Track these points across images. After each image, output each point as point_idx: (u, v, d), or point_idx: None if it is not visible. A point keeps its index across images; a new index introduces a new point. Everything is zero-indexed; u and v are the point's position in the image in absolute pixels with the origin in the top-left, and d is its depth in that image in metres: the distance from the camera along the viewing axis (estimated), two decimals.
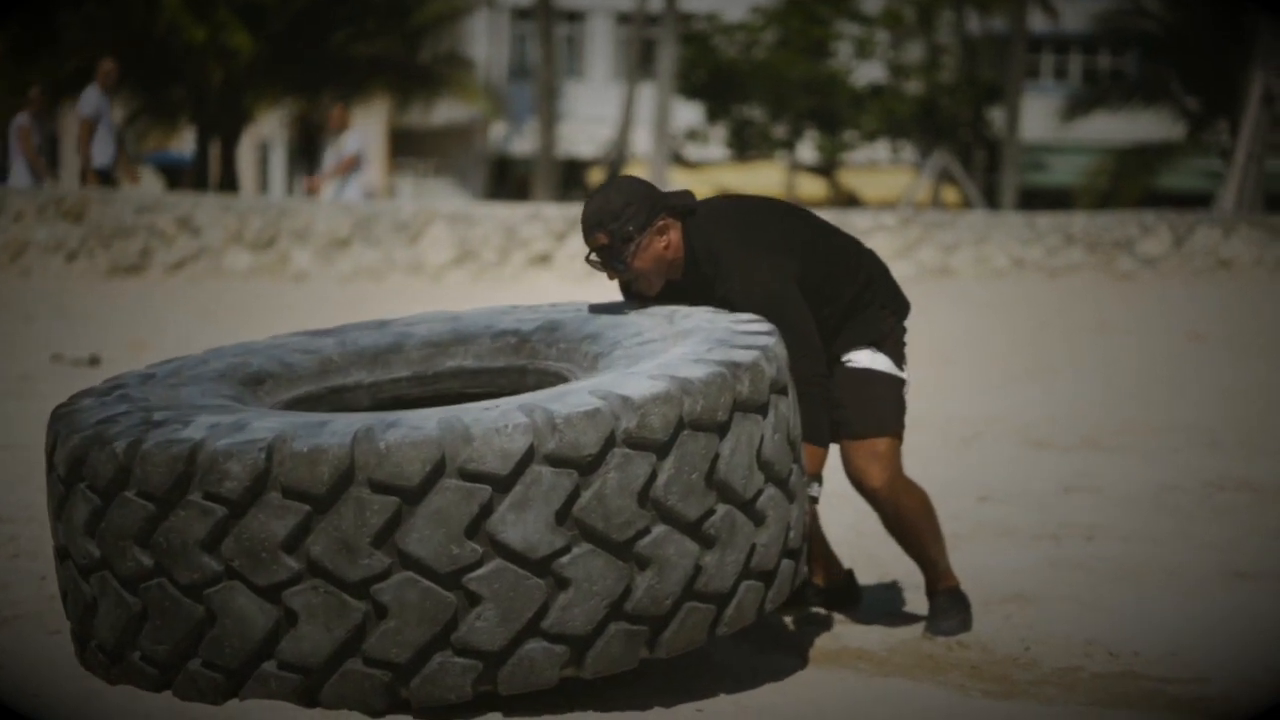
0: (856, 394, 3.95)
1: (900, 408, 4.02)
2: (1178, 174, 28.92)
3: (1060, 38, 33.61)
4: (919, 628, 4.23)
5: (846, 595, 4.35)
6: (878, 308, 3.98)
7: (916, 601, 4.48)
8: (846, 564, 5.09)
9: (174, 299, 12.02)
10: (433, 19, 25.86)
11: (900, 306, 4.04)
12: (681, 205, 3.78)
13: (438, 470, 3.02)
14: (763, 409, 3.38)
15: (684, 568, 3.22)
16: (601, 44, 34.39)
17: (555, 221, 14.03)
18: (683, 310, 3.70)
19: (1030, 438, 7.53)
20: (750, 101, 30.54)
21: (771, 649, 3.99)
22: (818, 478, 3.73)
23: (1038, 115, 29.85)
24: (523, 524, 3.06)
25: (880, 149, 31.89)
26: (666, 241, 3.73)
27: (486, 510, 3.05)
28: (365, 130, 31.49)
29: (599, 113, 31.65)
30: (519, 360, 3.80)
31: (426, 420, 3.07)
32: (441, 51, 27.32)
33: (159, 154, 29.12)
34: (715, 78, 30.07)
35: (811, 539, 4.14)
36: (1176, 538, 5.42)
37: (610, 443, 3.11)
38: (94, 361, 8.65)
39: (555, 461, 3.08)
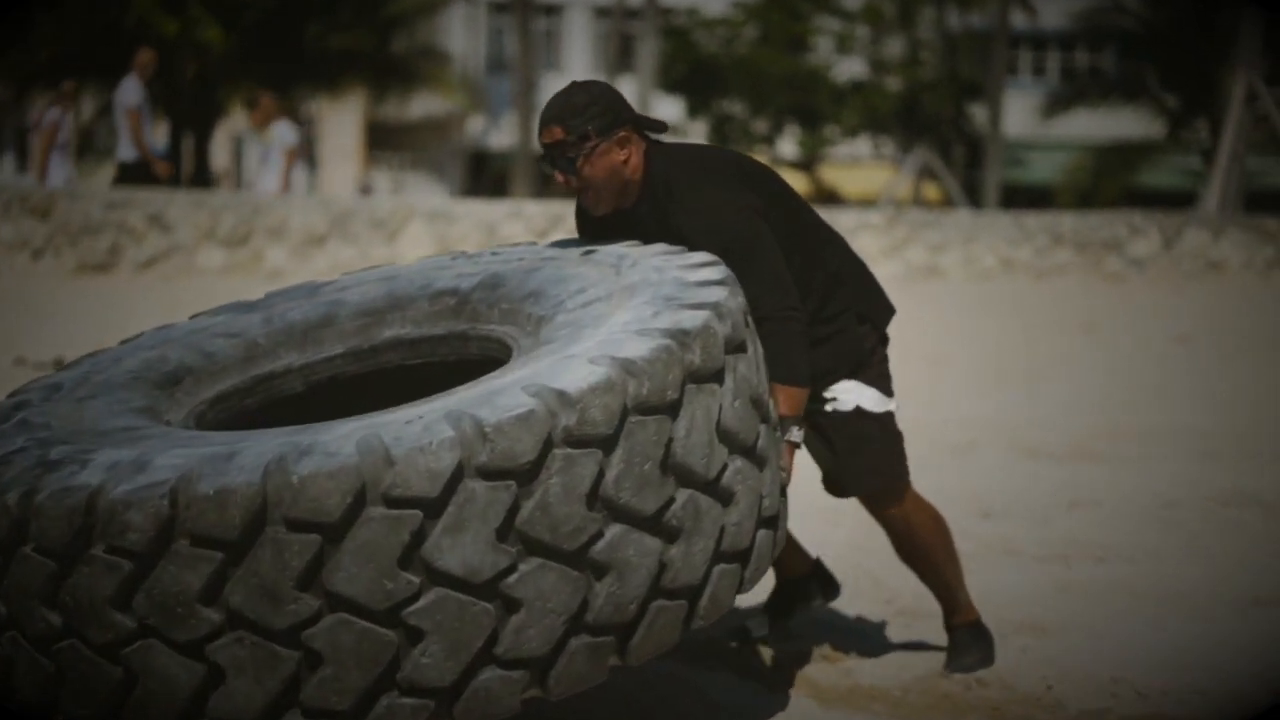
0: (851, 446, 3.69)
1: (899, 450, 3.76)
2: (1157, 171, 28.94)
3: (1038, 35, 33.57)
4: (934, 661, 4.01)
5: (819, 588, 4.13)
6: (853, 320, 3.68)
7: (928, 629, 4.27)
8: (847, 586, 4.87)
9: (144, 298, 11.73)
10: (408, 11, 25.64)
11: (880, 316, 3.76)
12: (648, 124, 3.49)
13: (359, 500, 2.73)
14: (718, 375, 3.07)
15: (647, 567, 2.95)
16: (579, 38, 34.15)
17: (536, 219, 13.78)
18: (630, 256, 3.38)
19: (1024, 446, 7.38)
20: (731, 96, 30.36)
21: (780, 687, 3.77)
22: (797, 420, 3.41)
23: (1016, 112, 29.78)
24: (460, 547, 2.78)
25: (861, 145, 31.77)
26: (626, 155, 3.43)
27: (419, 537, 2.77)
28: (341, 121, 31.28)
29: None
30: (460, 325, 3.48)
31: (342, 443, 2.78)
32: (417, 44, 27.11)
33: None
34: (695, 72, 29.88)
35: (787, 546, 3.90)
36: (1185, 558, 5.25)
37: (549, 445, 2.82)
38: (58, 364, 8.41)
39: (489, 474, 2.79)
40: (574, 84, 3.48)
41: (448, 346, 3.49)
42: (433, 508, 2.76)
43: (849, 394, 3.67)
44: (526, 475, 2.81)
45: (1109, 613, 4.56)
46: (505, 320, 3.39)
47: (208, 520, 2.72)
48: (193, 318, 3.65)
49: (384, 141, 33.01)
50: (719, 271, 3.26)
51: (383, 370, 3.54)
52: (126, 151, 13.51)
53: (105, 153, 29.62)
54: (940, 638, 4.27)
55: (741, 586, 3.18)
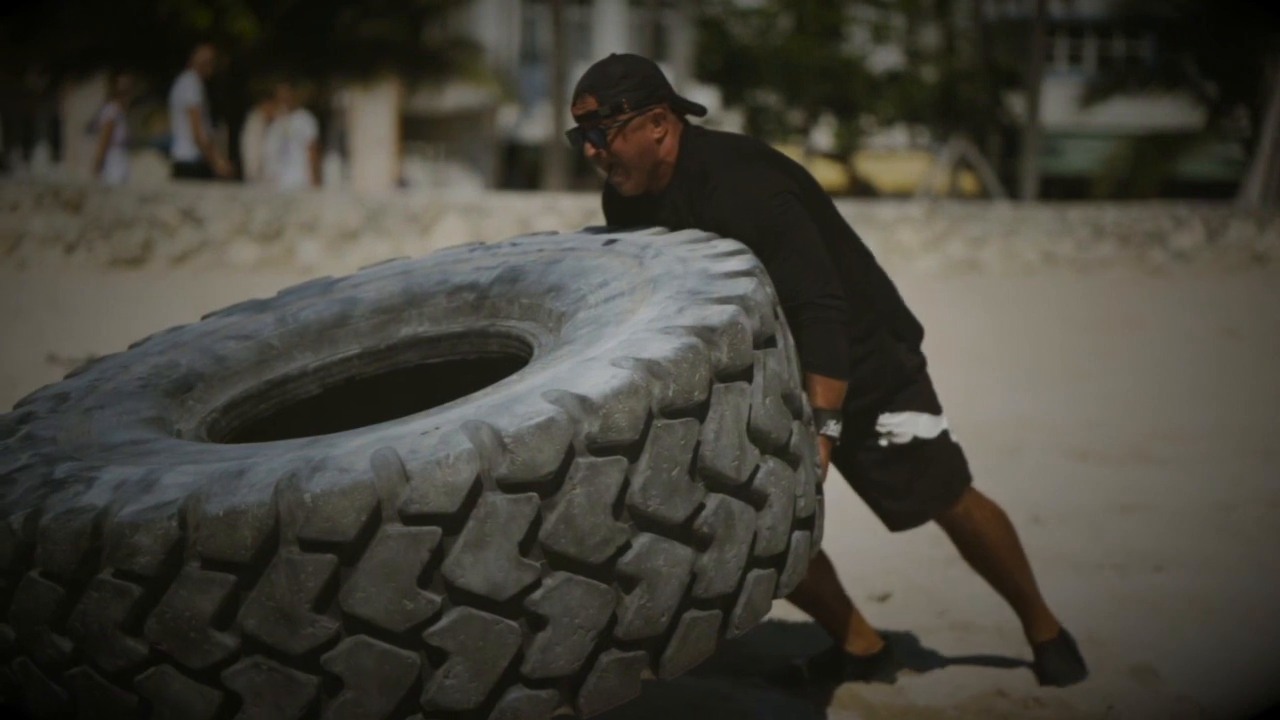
0: (910, 476, 3.57)
1: (961, 465, 3.64)
2: (1197, 161, 28.64)
3: (1076, 22, 33.26)
4: (989, 678, 3.86)
5: (885, 666, 3.88)
6: (889, 336, 3.53)
7: (983, 643, 4.12)
8: (895, 598, 4.72)
9: (176, 293, 11.66)
10: (441, 1, 25.56)
11: (915, 334, 3.61)
12: (686, 105, 3.33)
13: (375, 518, 2.61)
14: (747, 373, 2.92)
15: (678, 577, 2.81)
16: (613, 28, 33.99)
17: (570, 213, 13.64)
18: (654, 245, 3.23)
19: (1073, 448, 7.22)
20: (765, 87, 30.18)
21: (832, 706, 3.62)
22: (834, 413, 3.25)
23: (1053, 101, 29.51)
24: (482, 563, 2.65)
25: (897, 135, 31.55)
26: (660, 134, 3.28)
27: (438, 554, 2.64)
28: (374, 112, 31.22)
29: None
30: (479, 321, 3.34)
31: (356, 459, 2.65)
32: (450, 35, 27.04)
33: (164, 138, 28.77)
34: (730, 63, 29.71)
35: (839, 603, 3.74)
36: (1245, 567, 5.09)
37: (571, 454, 2.68)
38: (91, 362, 8.32)
39: (510, 487, 2.66)
40: (612, 56, 3.33)
41: (467, 344, 3.36)
42: (452, 523, 2.64)
43: (904, 426, 3.55)
44: (549, 486, 2.68)
45: (1169, 626, 4.41)
46: (526, 316, 3.26)
47: (218, 542, 2.61)
48: (205, 318, 3.53)
49: (417, 133, 32.95)
50: (746, 261, 3.12)
51: (400, 370, 3.41)
52: (185, 150, 13.45)
53: (137, 144, 29.73)
54: (995, 650, 4.13)
55: (778, 591, 3.05)
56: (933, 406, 3.59)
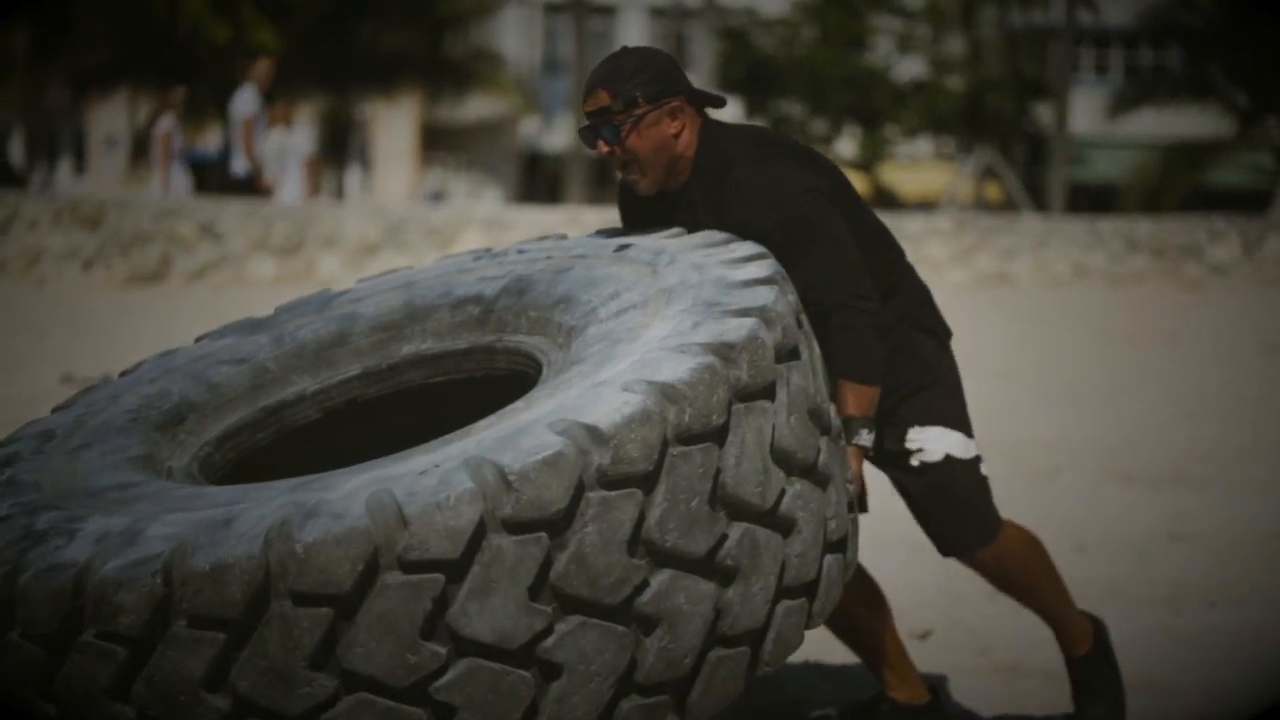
0: (941, 500, 3.29)
1: (989, 498, 3.37)
2: (1226, 170, 28.39)
3: (1102, 32, 33.04)
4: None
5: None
6: (915, 331, 3.29)
7: (1032, 687, 3.92)
8: (935, 635, 4.52)
9: (194, 309, 11.52)
10: (462, 12, 25.49)
11: (943, 328, 3.36)
12: (705, 98, 3.12)
13: (372, 567, 2.43)
14: (769, 391, 2.74)
15: (701, 614, 2.63)
16: (635, 39, 33.88)
17: (593, 226, 13.47)
18: (668, 251, 3.03)
19: (1114, 470, 7.00)
20: (789, 97, 30.00)
21: None
22: (867, 421, 3.07)
23: (1079, 110, 29.28)
24: (489, 611, 2.48)
25: (921, 144, 31.36)
26: (678, 129, 3.08)
27: (442, 604, 2.46)
28: (395, 123, 31.15)
29: None
30: (485, 337, 3.14)
31: (350, 503, 2.47)
32: (471, 46, 26.98)
33: (185, 151, 28.71)
34: (753, 73, 29.55)
35: (890, 642, 3.50)
36: None
37: (581, 489, 2.51)
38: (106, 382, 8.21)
39: (516, 528, 2.48)
40: (624, 48, 3.13)
41: (473, 361, 3.17)
42: (455, 570, 2.46)
43: (936, 442, 3.28)
44: (558, 525, 2.50)
45: (1228, 668, 4.20)
46: (534, 330, 3.07)
47: (206, 599, 2.44)
48: (198, 340, 3.34)
49: (438, 144, 32.87)
50: (766, 267, 2.92)
51: (403, 391, 3.22)
52: (241, 166, 13.31)
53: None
54: (1043, 697, 3.91)
55: (810, 622, 2.86)
56: (965, 426, 3.34)
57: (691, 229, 3.14)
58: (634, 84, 3.04)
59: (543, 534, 2.49)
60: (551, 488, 2.47)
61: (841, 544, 2.93)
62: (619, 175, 3.18)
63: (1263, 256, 14.78)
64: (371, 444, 3.21)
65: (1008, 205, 28.79)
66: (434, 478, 2.48)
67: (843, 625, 3.50)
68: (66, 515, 2.66)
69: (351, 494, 2.49)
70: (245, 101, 13.09)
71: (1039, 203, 26.09)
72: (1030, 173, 29.96)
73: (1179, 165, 27.83)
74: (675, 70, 3.10)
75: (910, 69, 30.59)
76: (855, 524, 3.03)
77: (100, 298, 12.14)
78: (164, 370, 3.20)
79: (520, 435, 2.54)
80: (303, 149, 13.96)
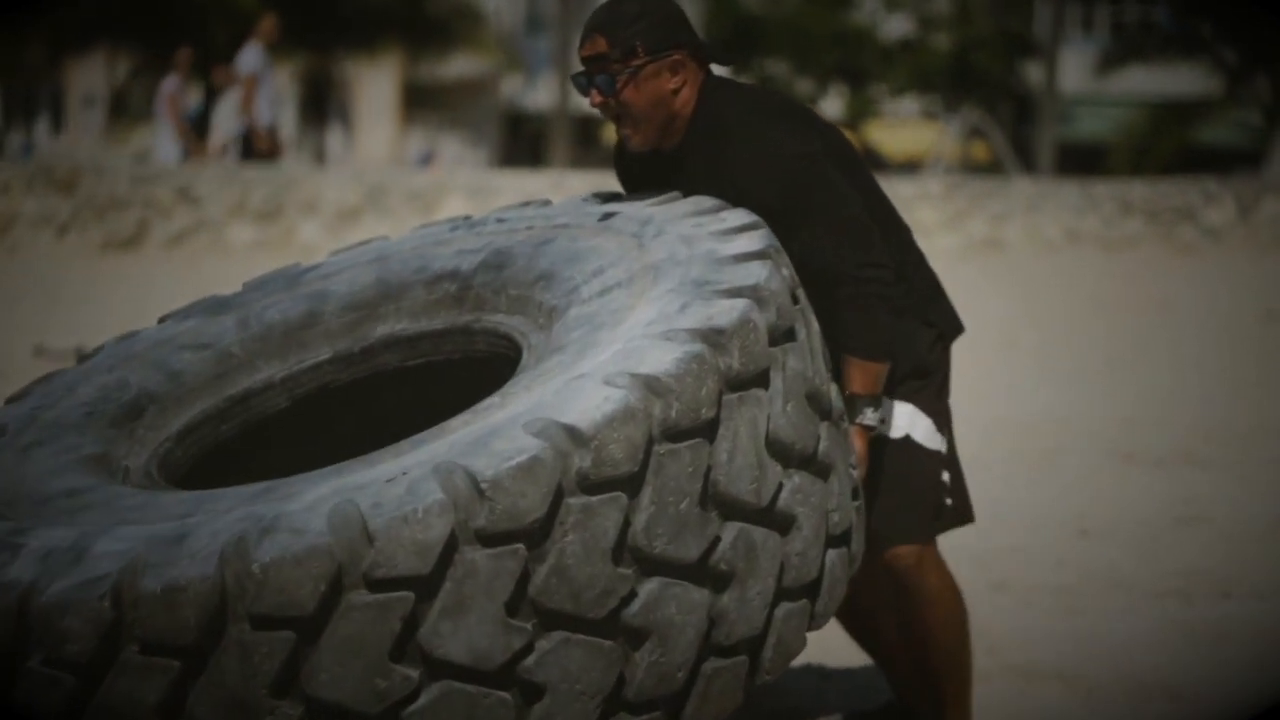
0: (887, 480, 3.00)
1: (936, 503, 3.06)
2: (1215, 128, 28.25)
3: None
4: None
5: None
6: (918, 322, 3.04)
7: (1047, 692, 3.76)
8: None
9: (172, 276, 11.33)
10: None
11: (950, 324, 3.11)
12: (710, 52, 2.92)
13: (336, 586, 2.26)
14: (763, 378, 2.56)
15: (694, 624, 2.47)
16: None
17: (580, 191, 13.25)
18: (655, 220, 2.84)
19: (1116, 448, 6.85)
20: (774, 56, 29.74)
21: None
22: (874, 399, 2.88)
23: (1066, 68, 29.06)
24: (464, 630, 2.31)
25: (906, 102, 31.14)
26: (677, 84, 2.88)
27: (412, 623, 2.29)
28: (376, 82, 30.81)
29: None
30: (463, 316, 2.96)
31: (311, 516, 2.30)
32: (453, 3, 26.69)
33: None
34: (738, 32, 29.26)
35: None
36: None
37: (560, 496, 2.34)
38: (79, 354, 8.04)
39: (490, 540, 2.31)
40: None
41: (451, 343, 2.98)
42: (426, 587, 2.29)
43: (900, 418, 3.03)
44: (536, 535, 2.33)
45: (1247, 669, 4.02)
46: (514, 309, 2.88)
47: (158, 623, 2.27)
48: (162, 320, 3.14)
49: (419, 103, 32.56)
50: (758, 239, 2.73)
51: (379, 374, 3.04)
52: (260, 119, 13.03)
53: (139, 116, 29.35)
54: (1062, 705, 3.73)
55: (813, 623, 2.69)
56: (940, 419, 3.08)
57: (688, 192, 2.95)
58: (634, 31, 2.84)
59: (520, 545, 2.32)
60: (528, 495, 2.31)
61: (845, 537, 2.76)
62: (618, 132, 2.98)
63: (1258, 220, 14.62)
64: (344, 433, 3.07)
65: (994, 165, 28.60)
66: (401, 486, 2.31)
67: (856, 625, 3.30)
68: (11, 528, 2.49)
69: (313, 506, 2.33)
70: (249, 58, 12.84)
71: (1026, 162, 25.89)
72: (1018, 132, 29.77)
73: (1167, 123, 27.67)
74: (680, 21, 2.90)
75: (897, 27, 30.33)
76: (860, 512, 2.84)
77: (75, 264, 11.93)
78: (123, 357, 3.02)
79: (494, 437, 2.37)
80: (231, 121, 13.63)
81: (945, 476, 3.08)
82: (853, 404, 2.87)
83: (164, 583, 2.26)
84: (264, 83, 12.90)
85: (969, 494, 3.18)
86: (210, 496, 2.49)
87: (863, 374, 2.86)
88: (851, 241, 2.84)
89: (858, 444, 2.86)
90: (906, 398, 3.05)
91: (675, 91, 2.88)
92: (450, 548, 2.28)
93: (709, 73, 2.95)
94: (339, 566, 2.26)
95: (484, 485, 2.29)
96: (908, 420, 3.04)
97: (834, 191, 2.85)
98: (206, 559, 2.27)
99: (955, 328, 3.13)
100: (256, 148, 13.11)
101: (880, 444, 3.01)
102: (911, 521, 3.04)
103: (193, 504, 2.46)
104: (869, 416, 2.87)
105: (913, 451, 3.03)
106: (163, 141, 13.41)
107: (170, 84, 13.34)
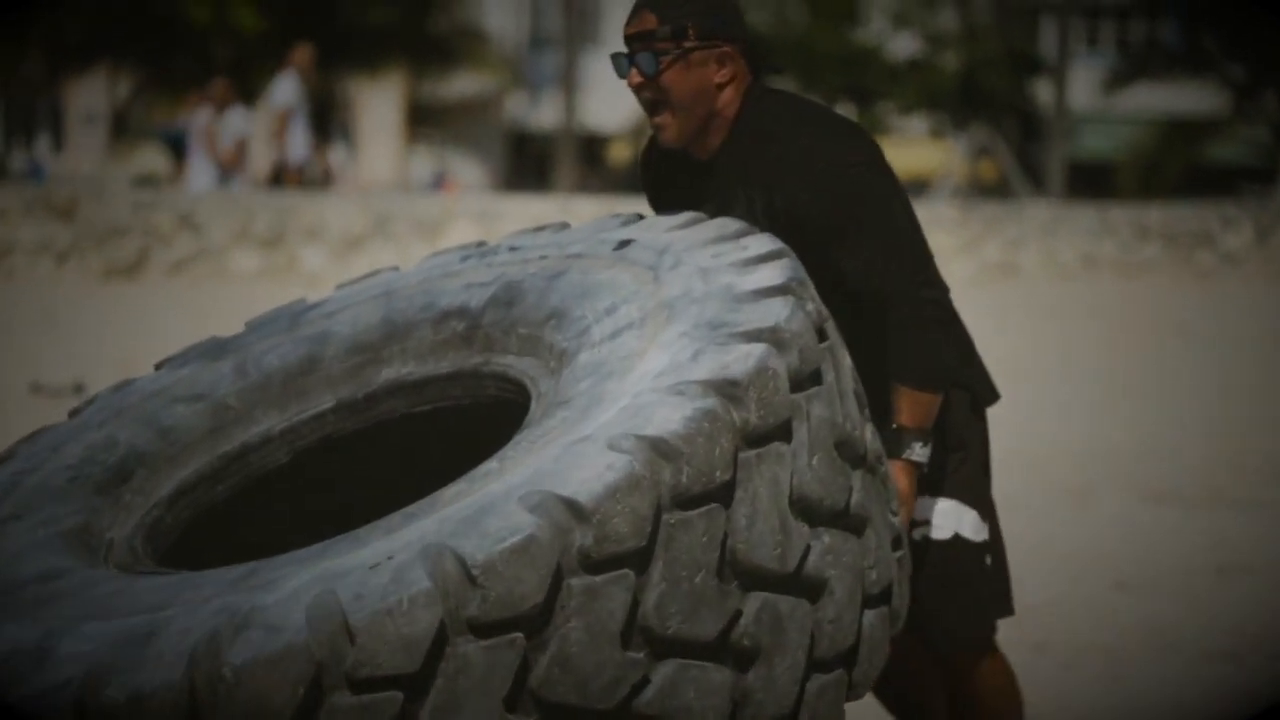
0: (942, 585, 2.81)
1: (1000, 588, 2.88)
2: (1223, 146, 28.14)
3: (1094, 5, 32.71)
4: None
5: None
6: (957, 390, 2.81)
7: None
8: None
9: (173, 304, 11.15)
10: None
11: (986, 390, 2.88)
12: (761, 56, 2.75)
13: (315, 689, 2.08)
14: (784, 430, 2.35)
15: (715, 708, 2.26)
16: (623, 13, 33.43)
17: (587, 218, 13.06)
18: (673, 250, 2.64)
19: (1147, 487, 6.66)
20: (782, 74, 29.68)
21: None
22: (922, 434, 2.68)
23: (1073, 85, 28.97)
24: None
25: (914, 122, 31.06)
26: (725, 78, 2.69)
27: None
28: (380, 101, 30.73)
29: (622, 84, 30.73)
30: (472, 358, 2.77)
31: (289, 610, 2.11)
32: (456, 21, 26.63)
33: (165, 128, 28.33)
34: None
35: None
36: None
37: (560, 577, 2.14)
38: (78, 389, 7.90)
39: (485, 630, 2.12)
40: None
41: (459, 387, 2.79)
42: (415, 685, 2.10)
43: (946, 517, 2.82)
44: (536, 622, 2.13)
45: None
46: (524, 350, 2.69)
47: None
48: (158, 366, 2.95)
49: (423, 122, 32.45)
50: (781, 270, 2.51)
51: (383, 423, 2.84)
52: (296, 153, 12.90)
53: (139, 134, 29.23)
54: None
55: (851, 692, 2.48)
56: (983, 505, 2.87)
57: (719, 204, 2.76)
58: (688, 11, 2.66)
59: (517, 634, 2.12)
60: (524, 579, 2.10)
61: (885, 595, 2.54)
62: (648, 133, 2.80)
63: (1277, 243, 14.43)
64: (348, 487, 2.90)
65: (1002, 183, 28.47)
66: (385, 574, 2.11)
67: (903, 706, 3.06)
68: None
69: (292, 597, 2.13)
70: (284, 91, 12.64)
71: (1035, 181, 25.75)
72: (1025, 150, 29.65)
73: (1175, 141, 27.56)
74: (737, 14, 2.72)
75: (904, 46, 30.26)
76: (905, 563, 2.61)
77: (74, 294, 11.74)
78: (114, 411, 2.82)
79: (487, 514, 2.16)
80: (237, 130, 13.38)
81: (988, 560, 2.87)
82: (899, 438, 2.67)
83: (129, 692, 2.08)
84: (298, 116, 12.70)
85: (1010, 581, 2.96)
86: (190, 581, 2.30)
87: (913, 405, 2.66)
88: (908, 259, 2.66)
89: (901, 482, 2.66)
90: (946, 477, 2.83)
91: (720, 87, 2.69)
92: (440, 641, 2.09)
93: (756, 77, 2.75)
94: (318, 667, 2.07)
95: (475, 570, 2.10)
96: (953, 518, 2.83)
97: (890, 205, 2.66)
98: (175, 661, 2.09)
99: (991, 393, 2.90)
100: (288, 182, 12.96)
101: (929, 547, 2.81)
102: (973, 629, 2.85)
103: (170, 592, 2.27)
104: (916, 452, 2.67)
105: (962, 549, 2.83)
106: (197, 175, 13.22)
107: (204, 116, 13.12)
